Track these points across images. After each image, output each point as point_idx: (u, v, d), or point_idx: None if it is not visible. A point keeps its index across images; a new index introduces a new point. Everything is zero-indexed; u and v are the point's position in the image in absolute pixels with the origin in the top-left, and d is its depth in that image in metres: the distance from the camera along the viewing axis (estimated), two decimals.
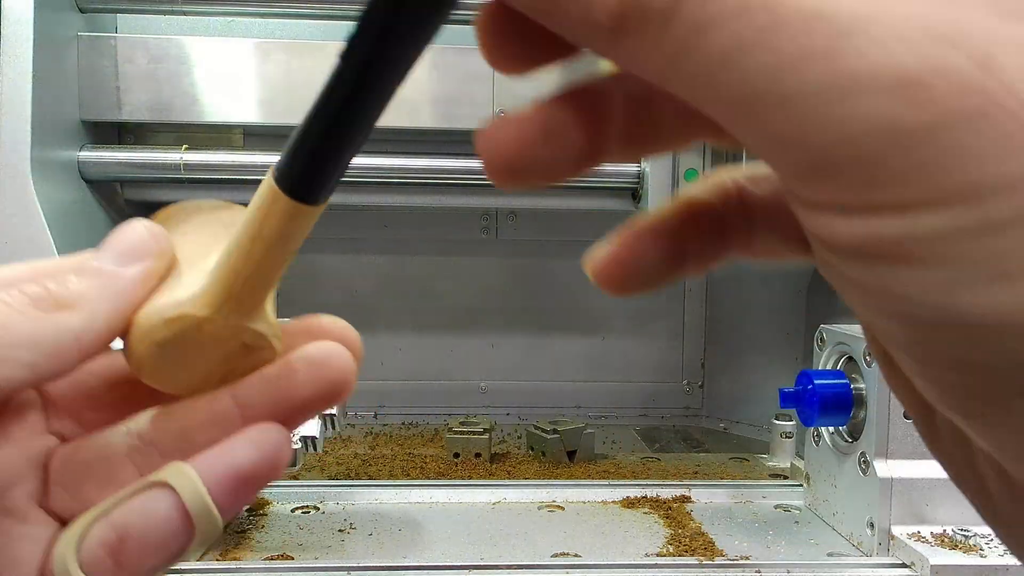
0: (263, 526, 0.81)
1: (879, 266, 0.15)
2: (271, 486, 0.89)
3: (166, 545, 0.23)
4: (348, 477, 0.96)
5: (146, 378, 0.24)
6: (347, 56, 0.19)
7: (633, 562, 0.73)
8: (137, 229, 0.24)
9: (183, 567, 0.69)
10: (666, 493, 0.90)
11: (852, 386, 0.77)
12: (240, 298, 0.23)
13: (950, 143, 0.14)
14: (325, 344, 0.24)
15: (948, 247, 0.14)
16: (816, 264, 0.17)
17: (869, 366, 0.76)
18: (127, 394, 0.25)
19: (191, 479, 0.23)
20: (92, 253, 0.24)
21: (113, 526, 0.23)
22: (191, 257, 0.25)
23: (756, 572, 0.72)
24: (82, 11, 1.03)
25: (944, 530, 0.74)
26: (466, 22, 1.16)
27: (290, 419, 0.24)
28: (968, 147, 0.13)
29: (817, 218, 0.15)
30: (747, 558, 0.74)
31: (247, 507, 0.84)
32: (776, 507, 0.89)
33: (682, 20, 0.15)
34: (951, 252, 0.14)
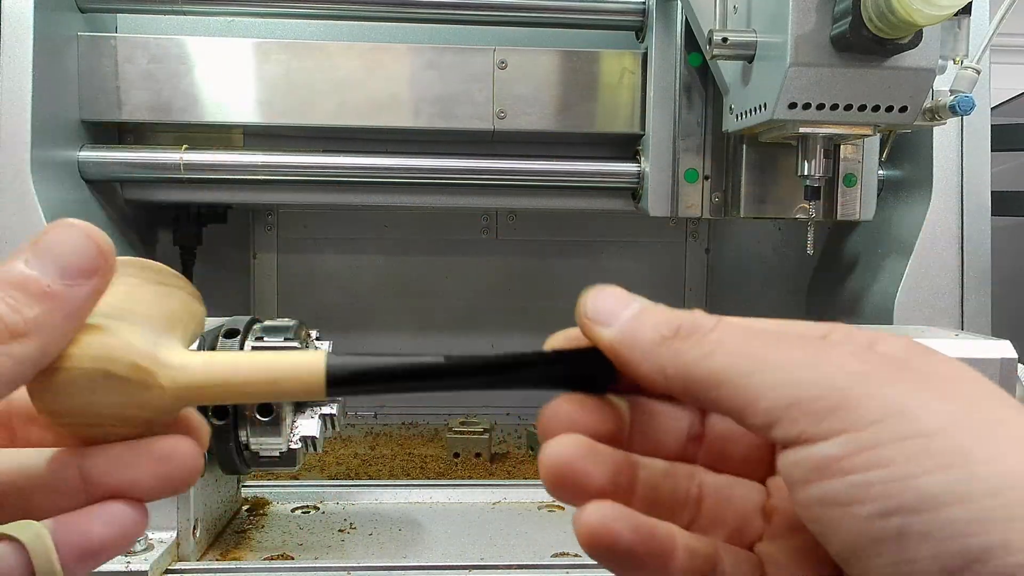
0: (263, 526, 0.81)
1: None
2: (271, 486, 0.89)
3: None
4: (348, 477, 0.96)
5: (47, 402, 0.23)
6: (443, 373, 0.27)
7: None
8: (81, 240, 0.23)
9: (184, 567, 0.69)
10: None
11: None
12: (207, 397, 0.24)
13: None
14: (172, 439, 0.25)
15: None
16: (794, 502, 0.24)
17: None
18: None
19: (44, 543, 0.23)
20: (30, 261, 0.23)
21: None
22: (117, 303, 0.25)
23: None
24: (82, 11, 1.03)
25: None
26: (466, 22, 1.16)
27: (136, 500, 0.24)
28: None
29: (787, 455, 0.23)
30: None
31: (247, 506, 0.84)
32: None
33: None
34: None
